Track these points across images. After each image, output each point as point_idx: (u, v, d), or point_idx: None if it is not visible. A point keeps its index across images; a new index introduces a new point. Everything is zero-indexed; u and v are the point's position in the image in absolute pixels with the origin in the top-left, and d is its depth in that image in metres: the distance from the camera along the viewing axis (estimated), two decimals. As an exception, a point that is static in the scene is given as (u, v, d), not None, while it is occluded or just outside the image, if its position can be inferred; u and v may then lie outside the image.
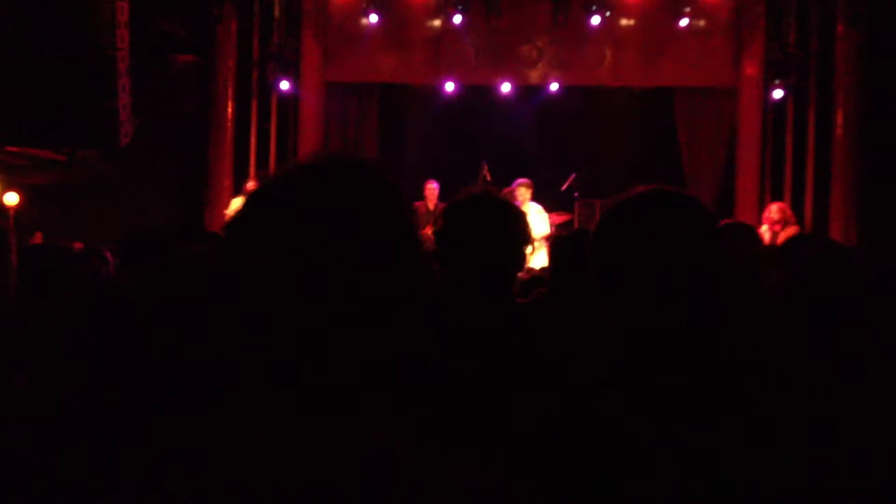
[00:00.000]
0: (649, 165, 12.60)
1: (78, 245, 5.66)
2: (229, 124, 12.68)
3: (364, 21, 12.71)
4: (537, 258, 8.53)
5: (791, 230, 9.07)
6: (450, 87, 13.17)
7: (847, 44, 11.70)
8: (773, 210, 9.24)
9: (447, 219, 2.43)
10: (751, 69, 12.44)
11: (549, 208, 10.97)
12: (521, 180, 10.45)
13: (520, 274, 3.21)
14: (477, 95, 13.33)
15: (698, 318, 1.55)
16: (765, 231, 9.02)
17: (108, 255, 4.32)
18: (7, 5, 7.54)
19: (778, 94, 12.21)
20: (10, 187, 13.22)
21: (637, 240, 1.60)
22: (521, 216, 2.48)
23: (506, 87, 13.15)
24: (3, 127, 7.87)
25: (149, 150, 11.41)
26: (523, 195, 10.34)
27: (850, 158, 11.71)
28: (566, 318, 3.01)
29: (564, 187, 11.53)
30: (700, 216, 1.63)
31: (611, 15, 12.31)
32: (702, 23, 12.39)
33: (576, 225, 11.59)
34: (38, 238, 9.81)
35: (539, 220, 10.12)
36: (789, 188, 12.42)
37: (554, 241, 3.64)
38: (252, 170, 12.88)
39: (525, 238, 2.46)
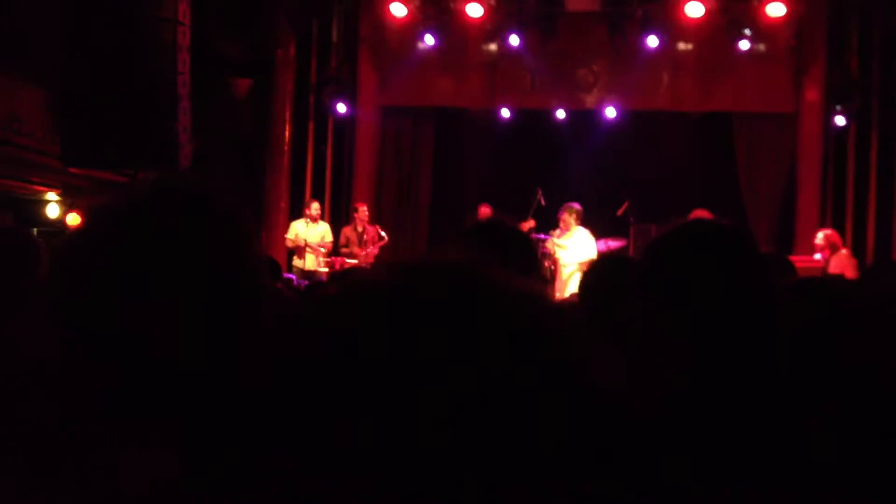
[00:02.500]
0: (707, 191, 12.45)
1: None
2: (286, 147, 12.84)
3: (420, 45, 12.75)
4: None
5: (841, 256, 9.05)
6: (505, 113, 13.19)
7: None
8: (818, 237, 9.33)
9: (458, 242, 2.47)
10: (812, 94, 12.23)
11: (605, 234, 10.90)
12: (565, 205, 10.44)
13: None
14: (533, 120, 13.30)
15: (747, 344, 1.55)
16: (819, 258, 9.09)
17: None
18: (69, 29, 7.71)
19: (840, 120, 11.98)
20: (72, 208, 13.48)
21: (680, 271, 1.61)
22: (523, 244, 2.46)
23: (561, 114, 13.13)
24: (66, 149, 8.02)
25: (207, 173, 11.55)
26: (567, 221, 10.32)
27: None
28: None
29: (620, 212, 11.45)
30: (743, 245, 1.67)
31: (668, 38, 12.18)
32: (762, 46, 12.16)
33: (631, 250, 11.48)
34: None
35: (586, 245, 10.07)
36: (851, 213, 12.18)
37: (588, 268, 3.64)
38: (308, 192, 13.00)
39: (526, 266, 2.42)
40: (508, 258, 2.36)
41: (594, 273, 3.38)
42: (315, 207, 11.53)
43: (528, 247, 2.47)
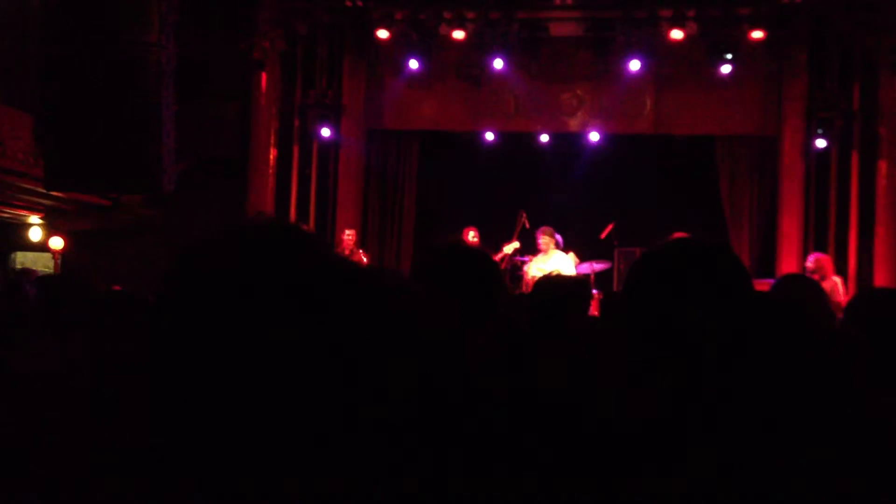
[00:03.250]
0: (690, 213, 12.49)
1: (116, 288, 5.71)
2: (271, 170, 12.83)
3: (405, 69, 12.78)
4: None
5: (831, 282, 8.73)
6: (490, 136, 13.25)
7: (890, 91, 11.59)
8: (809, 261, 9.04)
9: (418, 264, 2.50)
10: (793, 117, 12.30)
11: (589, 257, 10.91)
12: (540, 229, 10.48)
13: None
14: (517, 143, 13.35)
15: (733, 361, 1.54)
16: None
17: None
18: (54, 52, 7.70)
19: (821, 143, 12.05)
20: (55, 232, 13.44)
21: (666, 290, 1.59)
22: (485, 266, 2.47)
23: (545, 137, 13.21)
24: (49, 172, 7.99)
25: (191, 196, 11.53)
26: (546, 243, 10.35)
27: (895, 206, 11.57)
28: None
29: (603, 235, 11.47)
30: (730, 264, 1.64)
31: (651, 63, 12.25)
32: (743, 70, 12.27)
33: (615, 273, 11.51)
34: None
35: (564, 267, 10.07)
36: (833, 236, 12.23)
37: (538, 283, 3.79)
38: (293, 216, 12.98)
39: (488, 288, 2.44)
40: (470, 280, 2.39)
41: (540, 288, 3.50)
42: None
43: (492, 269, 2.47)
